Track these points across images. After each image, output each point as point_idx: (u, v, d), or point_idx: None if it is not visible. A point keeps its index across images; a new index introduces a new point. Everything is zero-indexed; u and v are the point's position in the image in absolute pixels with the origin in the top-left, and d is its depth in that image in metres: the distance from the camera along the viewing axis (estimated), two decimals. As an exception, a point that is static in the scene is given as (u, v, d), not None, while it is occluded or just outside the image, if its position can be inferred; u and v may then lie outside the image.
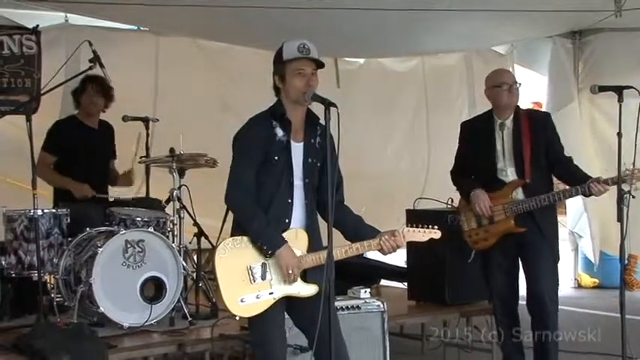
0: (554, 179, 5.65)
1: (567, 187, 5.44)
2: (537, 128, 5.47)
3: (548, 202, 5.36)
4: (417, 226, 4.28)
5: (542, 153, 5.43)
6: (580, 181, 5.29)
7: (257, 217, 4.10)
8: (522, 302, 5.57)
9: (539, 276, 5.41)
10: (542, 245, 5.42)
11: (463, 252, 5.83)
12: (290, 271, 4.09)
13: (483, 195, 5.43)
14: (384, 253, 4.28)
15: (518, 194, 5.42)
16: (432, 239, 4.35)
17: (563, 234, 9.45)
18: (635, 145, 4.71)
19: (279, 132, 4.17)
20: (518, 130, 5.45)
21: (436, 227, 4.33)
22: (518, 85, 5.54)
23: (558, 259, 5.56)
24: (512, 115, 5.50)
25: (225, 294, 4.11)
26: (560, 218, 9.00)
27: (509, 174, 5.45)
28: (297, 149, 4.20)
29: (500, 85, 5.49)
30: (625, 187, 5.07)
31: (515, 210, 5.38)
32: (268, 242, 4.09)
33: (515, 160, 5.43)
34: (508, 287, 5.57)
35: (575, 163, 5.51)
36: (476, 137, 5.59)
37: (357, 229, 4.27)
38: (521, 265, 5.54)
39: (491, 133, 5.49)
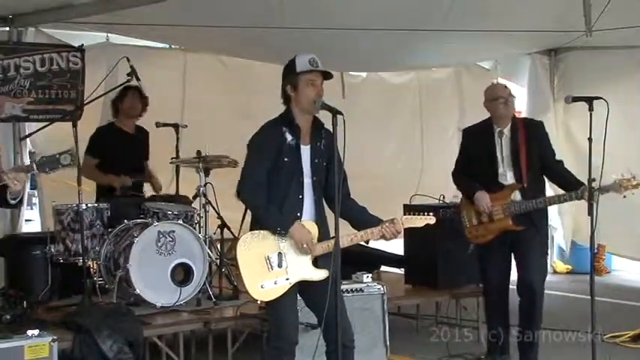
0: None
1: (562, 191, 5.41)
2: (532, 136, 5.45)
3: (544, 205, 5.35)
4: (413, 214, 4.28)
5: (536, 158, 5.40)
6: (573, 187, 5.23)
7: (266, 205, 4.10)
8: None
9: (531, 266, 5.38)
10: (535, 240, 5.40)
11: (455, 243, 5.83)
12: (304, 245, 4.09)
13: (485, 196, 5.39)
14: (387, 239, 4.26)
15: (516, 196, 5.38)
16: (427, 229, 4.34)
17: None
18: (604, 148, 4.70)
19: (289, 136, 4.16)
20: (515, 138, 5.41)
21: (431, 214, 4.33)
22: (513, 98, 5.51)
23: (547, 251, 5.57)
24: (509, 124, 5.46)
25: (247, 281, 4.12)
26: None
27: (508, 178, 5.41)
28: (305, 151, 4.20)
29: (497, 98, 5.45)
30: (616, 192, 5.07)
31: (513, 210, 5.34)
32: (281, 224, 4.09)
33: (513, 166, 5.39)
34: (503, 276, 5.53)
35: (565, 166, 5.47)
36: (477, 143, 5.55)
37: (361, 219, 4.26)
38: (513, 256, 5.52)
39: (492, 141, 5.44)
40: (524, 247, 5.39)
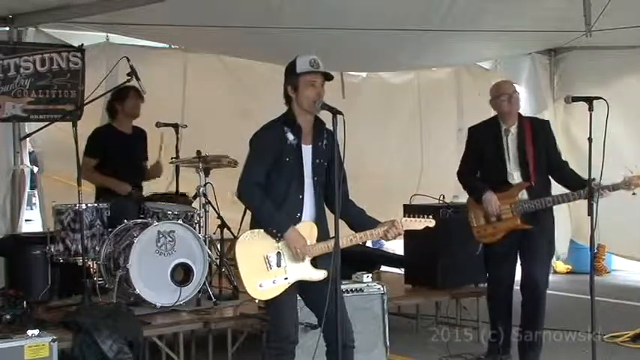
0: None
1: (568, 191, 5.32)
2: (538, 135, 5.42)
3: (552, 204, 5.32)
4: (413, 217, 4.28)
5: (543, 158, 5.38)
6: (580, 187, 5.13)
7: (265, 206, 4.09)
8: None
9: (537, 265, 5.35)
10: (541, 239, 5.37)
11: (455, 243, 5.81)
12: (298, 251, 4.08)
13: (494, 198, 5.35)
14: (386, 240, 4.26)
15: (524, 195, 5.35)
16: (427, 229, 4.34)
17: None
18: (604, 148, 4.69)
19: (290, 136, 4.16)
20: (522, 136, 5.38)
21: (431, 216, 4.32)
22: (517, 94, 5.47)
23: (554, 251, 5.51)
24: (516, 122, 5.43)
25: (246, 280, 4.11)
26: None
27: (515, 177, 5.38)
28: (306, 151, 4.19)
29: (500, 95, 5.44)
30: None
31: (521, 210, 5.31)
32: (277, 226, 4.09)
33: (520, 165, 5.36)
34: (509, 275, 5.51)
35: (571, 167, 5.43)
36: (484, 142, 5.51)
37: (360, 220, 4.25)
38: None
39: (500, 139, 5.41)
40: (531, 246, 5.35)
